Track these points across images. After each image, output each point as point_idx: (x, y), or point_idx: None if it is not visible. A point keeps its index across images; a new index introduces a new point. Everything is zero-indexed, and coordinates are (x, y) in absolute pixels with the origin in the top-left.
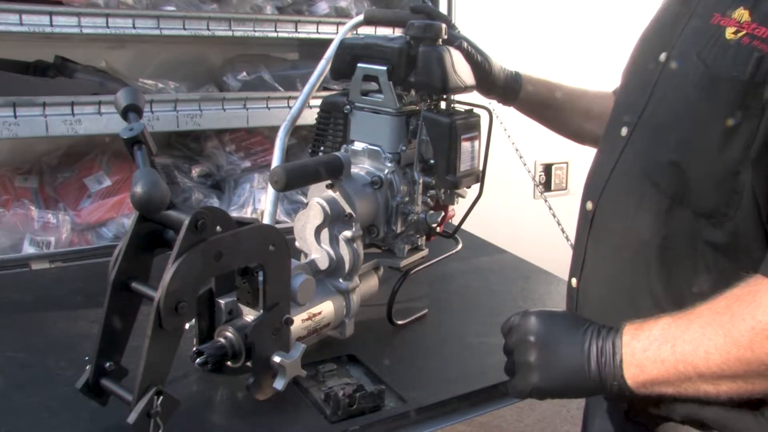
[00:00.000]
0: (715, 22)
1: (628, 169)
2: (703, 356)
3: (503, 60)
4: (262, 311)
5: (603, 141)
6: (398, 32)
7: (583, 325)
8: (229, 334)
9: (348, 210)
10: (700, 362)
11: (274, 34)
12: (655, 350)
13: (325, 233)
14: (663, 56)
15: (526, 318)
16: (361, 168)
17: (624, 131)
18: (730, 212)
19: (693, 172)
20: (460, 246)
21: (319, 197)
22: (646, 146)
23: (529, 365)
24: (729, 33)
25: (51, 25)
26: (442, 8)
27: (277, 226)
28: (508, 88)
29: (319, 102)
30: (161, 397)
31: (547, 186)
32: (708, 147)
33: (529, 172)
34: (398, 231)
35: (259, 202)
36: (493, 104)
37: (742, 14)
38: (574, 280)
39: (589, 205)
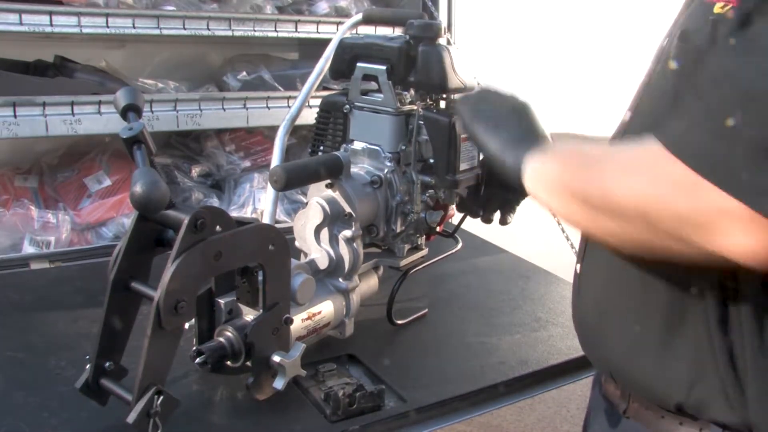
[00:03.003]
0: (708, 1)
1: None
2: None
3: (503, 61)
4: (261, 311)
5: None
6: (398, 31)
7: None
8: (228, 333)
9: (348, 209)
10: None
11: (274, 34)
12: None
13: (324, 233)
14: (665, 42)
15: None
16: (361, 167)
17: (627, 116)
18: None
19: None
20: (459, 245)
21: (318, 197)
22: (639, 129)
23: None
24: (717, 8)
25: (51, 25)
26: (442, 8)
27: (277, 225)
28: None
29: (318, 102)
30: (161, 397)
31: None
32: None
33: None
34: (398, 230)
35: (259, 202)
36: None
37: None
38: (578, 266)
39: None
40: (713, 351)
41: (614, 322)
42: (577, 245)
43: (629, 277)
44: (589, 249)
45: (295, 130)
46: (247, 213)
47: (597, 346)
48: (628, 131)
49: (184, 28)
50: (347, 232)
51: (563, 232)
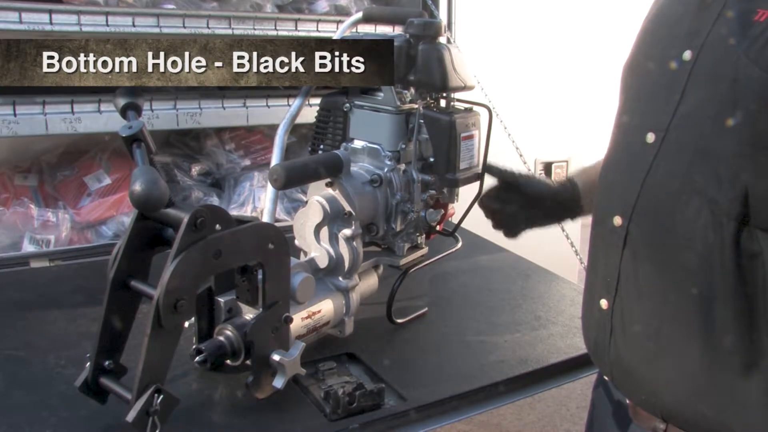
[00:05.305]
0: (762, 20)
1: (667, 181)
2: None
3: (503, 60)
4: (261, 309)
5: (618, 148)
6: (398, 30)
7: None
8: (228, 332)
9: (347, 208)
10: None
11: (274, 33)
12: None
13: (324, 231)
14: (687, 55)
15: None
16: (361, 166)
17: (651, 137)
18: None
19: (759, 193)
20: (459, 244)
21: (318, 195)
22: (689, 157)
23: None
24: None
25: (51, 24)
26: (443, 7)
27: (277, 224)
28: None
29: (318, 100)
30: (160, 396)
31: None
32: None
33: (529, 170)
34: (398, 229)
35: (259, 201)
36: (492, 102)
37: None
38: (604, 302)
39: (618, 221)
40: None
41: (673, 363)
42: (578, 244)
43: (693, 316)
44: (625, 283)
45: (295, 129)
46: (247, 212)
47: (646, 389)
48: (667, 147)
49: (184, 27)
50: (347, 231)
51: (563, 230)
